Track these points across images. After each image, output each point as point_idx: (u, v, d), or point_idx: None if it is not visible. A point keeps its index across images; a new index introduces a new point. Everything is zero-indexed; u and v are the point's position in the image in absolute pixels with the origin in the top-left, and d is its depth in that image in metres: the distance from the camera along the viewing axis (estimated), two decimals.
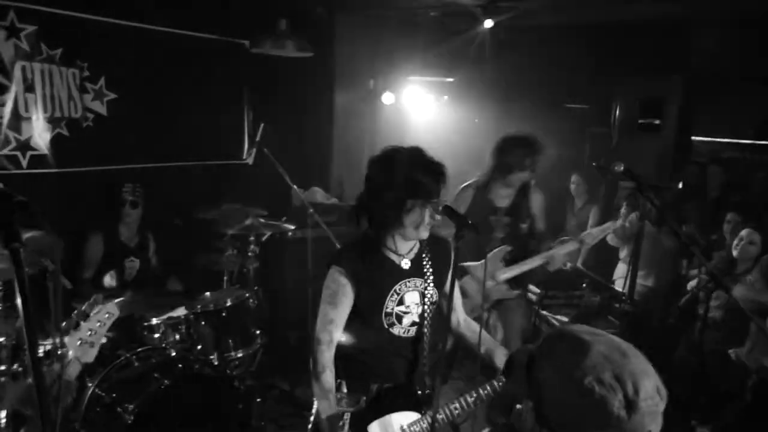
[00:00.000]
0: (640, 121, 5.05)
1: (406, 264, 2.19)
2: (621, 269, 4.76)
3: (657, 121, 4.96)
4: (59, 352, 2.79)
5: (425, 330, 2.22)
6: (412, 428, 2.09)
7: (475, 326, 2.33)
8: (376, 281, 2.14)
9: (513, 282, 3.48)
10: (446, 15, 5.31)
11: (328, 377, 2.09)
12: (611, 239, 4.64)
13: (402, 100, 5.76)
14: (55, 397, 1.55)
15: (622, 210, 4.70)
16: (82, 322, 1.62)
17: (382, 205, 2.05)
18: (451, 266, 2.24)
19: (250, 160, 4.31)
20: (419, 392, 2.23)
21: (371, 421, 2.09)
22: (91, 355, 1.62)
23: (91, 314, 1.63)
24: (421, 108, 5.82)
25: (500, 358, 2.19)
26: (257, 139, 4.24)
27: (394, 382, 2.21)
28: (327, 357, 2.10)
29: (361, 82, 5.79)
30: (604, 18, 4.85)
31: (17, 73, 3.78)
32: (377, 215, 2.09)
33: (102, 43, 4.12)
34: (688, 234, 4.30)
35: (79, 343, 1.59)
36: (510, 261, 3.45)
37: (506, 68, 5.80)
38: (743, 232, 3.97)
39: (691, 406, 3.48)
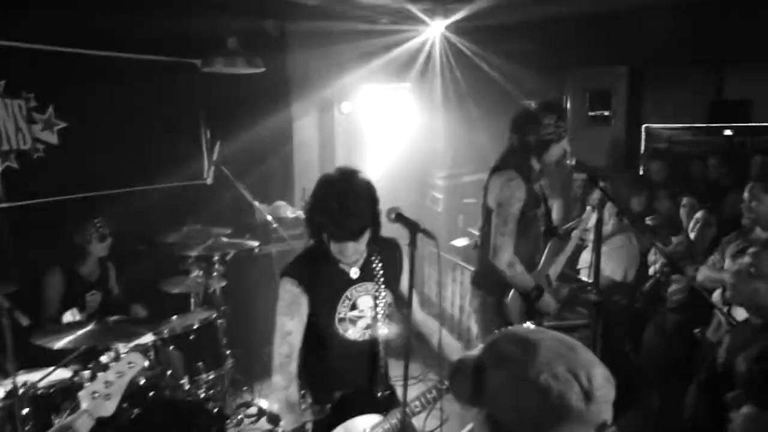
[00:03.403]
0: (590, 113, 5.16)
1: (354, 273, 2.23)
2: (585, 258, 4.84)
3: (607, 113, 5.08)
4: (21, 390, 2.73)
5: (379, 333, 2.25)
6: (374, 430, 2.12)
7: (434, 324, 2.39)
8: (326, 288, 2.17)
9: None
10: (397, 21, 5.36)
11: (293, 390, 2.09)
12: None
13: (359, 108, 5.78)
14: None
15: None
16: (99, 374, 1.53)
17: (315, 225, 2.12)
18: (406, 268, 2.29)
19: (209, 180, 4.27)
20: (379, 394, 2.26)
21: (333, 427, 2.09)
22: (107, 409, 1.53)
23: (111, 365, 1.54)
24: (379, 115, 5.84)
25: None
26: (215, 157, 4.20)
27: (356, 387, 2.23)
28: (290, 370, 2.10)
29: (318, 93, 5.80)
30: (552, 12, 4.94)
31: None
32: (314, 232, 2.15)
33: (47, 72, 4.04)
34: (649, 226, 4.37)
35: (94, 395, 1.51)
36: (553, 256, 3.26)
37: (460, 69, 5.87)
38: (698, 214, 4.07)
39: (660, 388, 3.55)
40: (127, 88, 4.44)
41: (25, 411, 2.74)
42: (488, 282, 3.17)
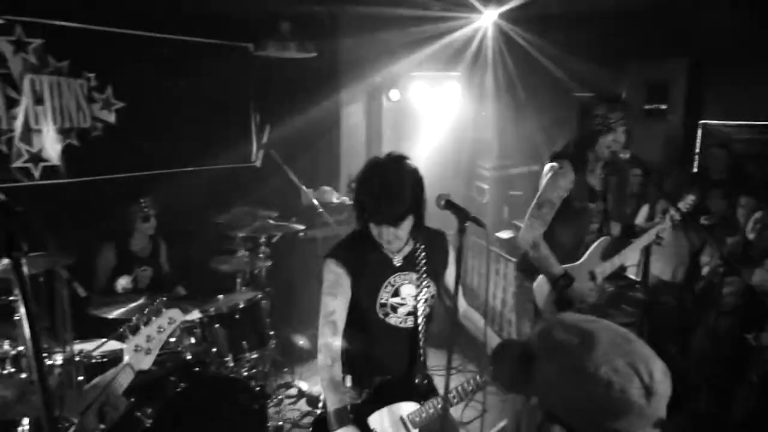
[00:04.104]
0: (646, 106, 4.99)
1: (398, 261, 2.24)
2: (633, 256, 4.71)
3: (663, 106, 4.89)
4: (77, 358, 2.86)
5: (420, 321, 2.25)
6: (411, 417, 2.13)
7: (477, 316, 2.38)
8: (369, 273, 2.19)
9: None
10: (450, 7, 5.29)
11: (336, 369, 2.10)
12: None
13: (408, 95, 5.76)
14: (101, 407, 1.51)
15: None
16: (142, 327, 1.59)
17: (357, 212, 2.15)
18: (451, 260, 2.31)
19: (258, 163, 4.34)
20: (417, 382, 2.25)
21: (371, 412, 2.11)
22: (146, 363, 1.59)
23: (153, 319, 1.60)
24: (428, 103, 5.81)
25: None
26: (264, 141, 4.26)
27: (395, 374, 2.24)
28: (333, 349, 2.12)
29: (367, 80, 5.80)
30: (610, 4, 4.80)
31: (26, 86, 3.85)
32: (358, 220, 2.17)
33: (108, 53, 4.17)
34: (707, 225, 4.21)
35: (135, 349, 1.57)
36: (605, 255, 3.18)
37: (512, 58, 5.77)
38: (757, 215, 3.91)
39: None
40: (182, 70, 4.55)
41: (80, 378, 2.87)
42: (528, 266, 3.14)
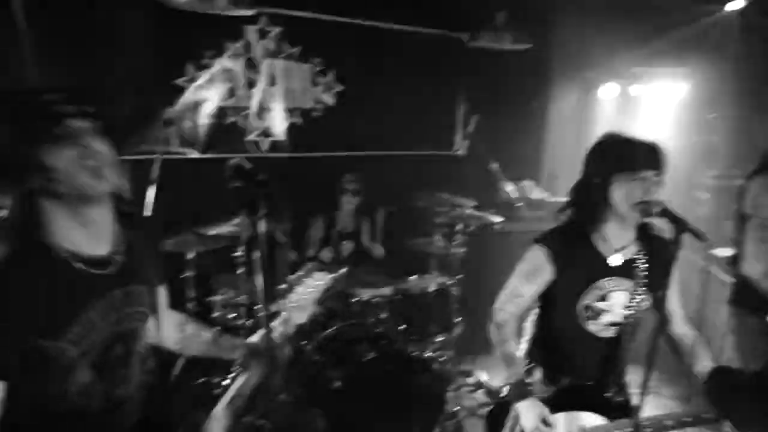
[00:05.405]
0: None
1: (615, 260, 2.06)
2: None
3: None
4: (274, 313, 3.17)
5: (627, 335, 2.08)
6: None
7: (690, 341, 2.10)
8: (578, 269, 2.05)
9: None
10: None
11: (512, 346, 2.07)
12: None
13: (624, 92, 5.37)
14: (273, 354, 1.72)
15: None
16: (296, 287, 1.77)
17: (590, 186, 2.01)
18: (676, 275, 2.08)
19: (461, 152, 4.38)
20: (611, 396, 2.11)
21: (555, 411, 1.99)
22: (301, 317, 1.78)
23: (304, 281, 1.77)
24: (647, 101, 5.36)
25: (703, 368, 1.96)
26: (469, 131, 4.29)
27: (586, 380, 2.12)
28: (510, 327, 2.09)
29: (581, 73, 5.53)
30: None
31: (264, 69, 4.33)
32: (586, 198, 2.03)
33: (332, 41, 4.52)
34: None
35: (292, 305, 1.76)
36: None
37: (758, 55, 5.07)
38: None
39: None
40: (397, 58, 4.76)
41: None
42: (748, 299, 2.76)
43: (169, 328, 1.74)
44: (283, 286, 1.76)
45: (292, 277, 1.78)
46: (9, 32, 3.23)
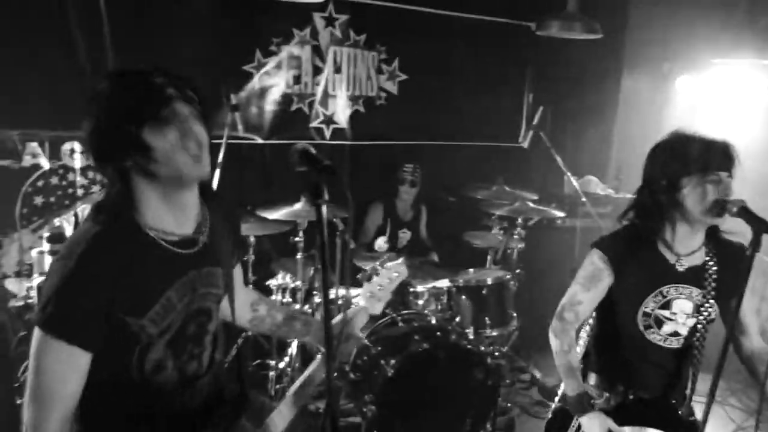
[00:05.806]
0: None
1: (681, 266, 1.96)
2: None
3: None
4: (340, 301, 3.20)
5: (695, 349, 1.97)
6: None
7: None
8: (639, 275, 1.96)
9: None
10: None
11: (574, 356, 2.01)
12: None
13: (701, 86, 5.10)
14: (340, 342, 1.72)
15: None
16: (375, 276, 1.77)
17: (656, 188, 1.91)
18: (750, 285, 1.87)
19: (525, 144, 4.29)
20: (681, 413, 2.00)
21: (619, 423, 1.92)
22: (377, 309, 1.78)
23: (383, 270, 1.76)
24: (727, 96, 5.08)
25: None
26: (534, 122, 4.20)
27: (645, 393, 2.03)
28: (570, 335, 2.02)
29: (654, 66, 5.30)
30: None
31: (330, 56, 4.36)
32: (651, 201, 1.94)
33: (398, 29, 4.50)
34: None
35: (369, 295, 1.75)
36: None
37: None
38: None
39: None
40: (462, 47, 4.72)
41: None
42: None
43: (243, 308, 1.76)
44: (361, 275, 1.76)
45: (371, 268, 1.78)
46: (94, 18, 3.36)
